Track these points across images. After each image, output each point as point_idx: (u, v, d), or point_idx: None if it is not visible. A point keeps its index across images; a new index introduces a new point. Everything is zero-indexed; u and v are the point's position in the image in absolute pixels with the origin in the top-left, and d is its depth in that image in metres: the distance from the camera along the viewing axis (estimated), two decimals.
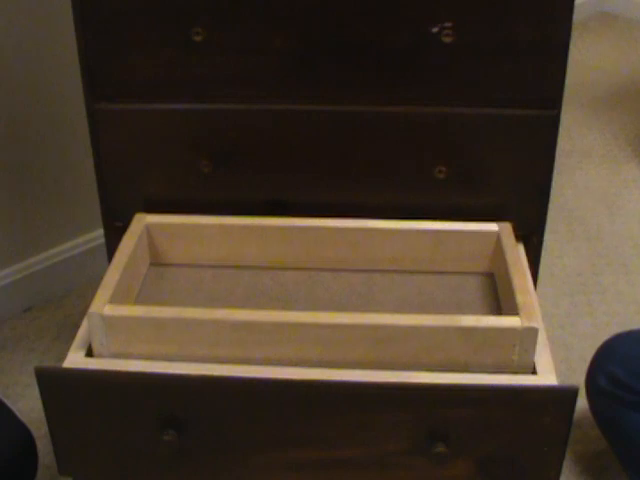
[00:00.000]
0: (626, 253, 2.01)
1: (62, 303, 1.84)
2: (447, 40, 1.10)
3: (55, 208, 1.80)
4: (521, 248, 1.23)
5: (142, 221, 1.22)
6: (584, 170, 2.34)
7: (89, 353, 1.07)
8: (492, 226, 1.20)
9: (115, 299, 1.07)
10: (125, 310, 1.06)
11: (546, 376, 1.02)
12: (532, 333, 1.02)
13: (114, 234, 1.27)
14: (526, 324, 1.02)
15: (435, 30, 1.10)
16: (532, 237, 1.26)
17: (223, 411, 1.01)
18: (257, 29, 1.12)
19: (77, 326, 1.11)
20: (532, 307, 1.04)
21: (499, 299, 1.18)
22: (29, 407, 1.55)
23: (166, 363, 1.04)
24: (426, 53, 1.12)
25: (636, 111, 2.62)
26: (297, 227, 1.21)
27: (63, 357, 1.06)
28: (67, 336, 1.72)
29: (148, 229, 1.22)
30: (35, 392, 1.61)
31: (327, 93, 1.16)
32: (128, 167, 1.22)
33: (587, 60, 2.91)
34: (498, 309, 1.17)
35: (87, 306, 1.13)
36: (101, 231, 1.31)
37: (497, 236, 1.20)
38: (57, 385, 1.01)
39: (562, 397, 0.98)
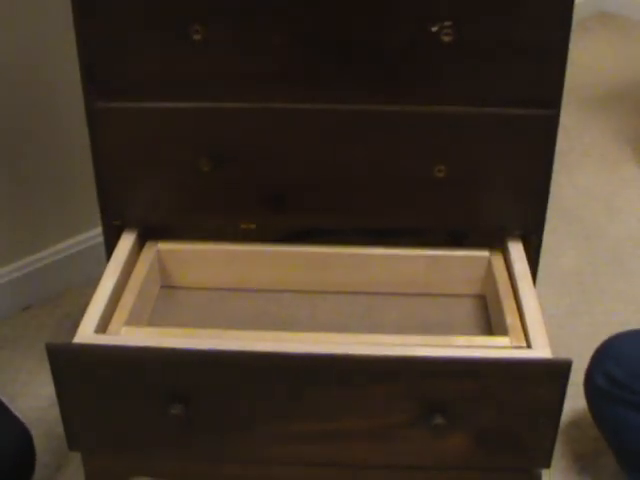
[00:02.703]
0: (625, 252, 2.01)
1: (61, 302, 1.83)
2: (447, 39, 1.10)
3: (53, 206, 1.79)
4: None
5: (154, 247, 1.29)
6: (583, 169, 2.34)
7: (97, 329, 1.11)
8: (483, 252, 1.27)
9: (130, 321, 1.15)
10: (141, 332, 1.13)
11: (541, 350, 1.07)
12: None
13: (113, 233, 1.27)
14: (515, 343, 1.09)
15: (435, 29, 1.10)
16: (531, 237, 1.26)
17: (228, 385, 1.04)
18: (256, 27, 1.12)
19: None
20: (520, 327, 1.12)
21: (490, 320, 1.24)
22: (27, 405, 1.55)
23: (173, 338, 1.08)
24: (426, 52, 1.12)
25: (635, 111, 2.62)
26: (299, 253, 1.28)
27: None
28: (66, 334, 1.71)
29: (159, 254, 1.29)
30: (33, 390, 1.61)
31: (327, 92, 1.16)
32: (127, 165, 1.22)
33: (586, 60, 2.91)
34: (489, 329, 1.23)
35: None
36: (99, 229, 1.31)
37: (488, 261, 1.26)
38: (67, 360, 1.04)
39: (556, 369, 1.02)
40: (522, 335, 1.10)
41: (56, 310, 1.81)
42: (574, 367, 1.47)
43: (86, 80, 1.17)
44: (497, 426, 1.05)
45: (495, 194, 1.21)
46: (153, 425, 1.07)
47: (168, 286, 1.31)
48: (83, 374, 1.05)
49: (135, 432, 1.08)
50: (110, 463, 1.13)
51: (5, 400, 1.38)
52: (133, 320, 1.16)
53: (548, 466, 1.07)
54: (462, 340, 1.11)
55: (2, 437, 1.29)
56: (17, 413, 1.36)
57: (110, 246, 1.26)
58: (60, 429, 1.51)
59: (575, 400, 1.51)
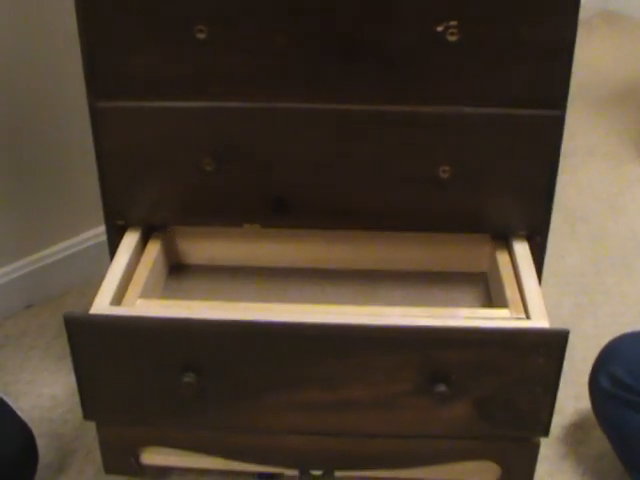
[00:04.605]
0: (629, 253, 2.00)
1: (63, 300, 1.83)
2: (452, 39, 1.09)
3: (56, 205, 1.79)
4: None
5: (163, 229, 1.33)
6: (587, 169, 2.33)
7: (113, 302, 1.15)
8: (485, 234, 1.31)
9: (144, 294, 1.19)
10: (155, 304, 1.17)
11: (539, 320, 1.11)
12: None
13: (116, 232, 1.27)
14: (514, 315, 1.13)
15: (440, 29, 1.09)
16: (536, 237, 1.25)
17: (238, 354, 1.08)
18: (260, 27, 1.12)
19: None
20: (519, 300, 1.16)
21: (491, 295, 1.29)
22: (30, 405, 1.55)
23: (187, 310, 1.12)
24: (431, 52, 1.11)
25: None
26: (306, 232, 1.30)
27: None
28: None
29: (169, 234, 1.33)
30: (36, 390, 1.60)
31: (331, 92, 1.16)
32: (130, 165, 1.22)
33: (591, 59, 2.90)
34: (490, 304, 1.28)
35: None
36: (102, 228, 1.31)
37: (490, 240, 1.30)
38: (84, 330, 1.08)
39: (554, 339, 1.06)
40: (521, 307, 1.14)
41: (58, 309, 1.81)
42: (578, 369, 1.47)
43: (89, 79, 1.16)
44: (497, 395, 1.09)
45: (500, 194, 1.21)
46: (166, 394, 1.10)
47: (179, 264, 1.36)
48: (99, 344, 1.08)
49: (148, 401, 1.12)
50: (123, 432, 1.16)
51: (7, 399, 1.38)
52: (147, 294, 1.20)
53: (546, 435, 1.10)
54: (464, 311, 1.15)
55: (4, 437, 1.29)
56: (19, 412, 1.36)
57: (113, 245, 1.26)
58: (62, 429, 1.52)
59: (579, 401, 1.51)
